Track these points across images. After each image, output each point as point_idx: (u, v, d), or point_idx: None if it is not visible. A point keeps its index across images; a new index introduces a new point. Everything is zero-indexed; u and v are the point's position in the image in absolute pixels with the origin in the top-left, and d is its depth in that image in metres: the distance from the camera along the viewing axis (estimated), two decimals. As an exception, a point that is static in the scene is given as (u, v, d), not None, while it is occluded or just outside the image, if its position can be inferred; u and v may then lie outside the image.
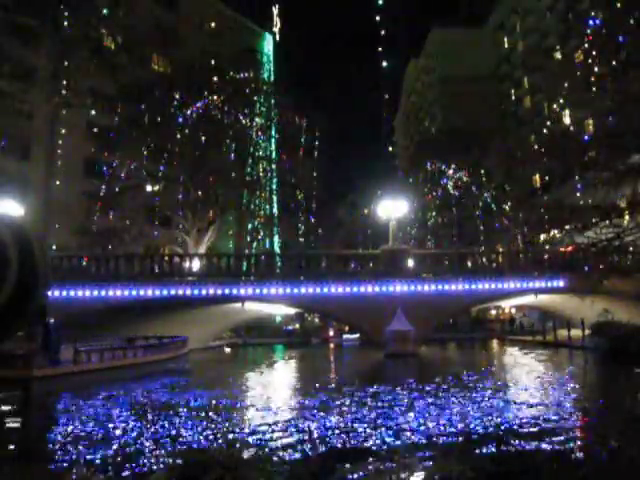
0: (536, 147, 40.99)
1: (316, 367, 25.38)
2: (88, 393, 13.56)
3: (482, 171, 45.03)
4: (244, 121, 39.31)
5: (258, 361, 27.56)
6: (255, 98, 40.54)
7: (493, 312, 49.83)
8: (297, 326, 50.69)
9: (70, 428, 9.75)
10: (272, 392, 15.27)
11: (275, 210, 50.06)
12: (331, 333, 44.44)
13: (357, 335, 35.79)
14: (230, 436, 8.97)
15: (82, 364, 16.16)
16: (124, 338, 20.78)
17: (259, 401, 13.31)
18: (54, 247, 31.09)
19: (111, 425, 9.87)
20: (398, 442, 8.29)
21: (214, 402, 12.87)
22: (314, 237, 52.08)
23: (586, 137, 28.47)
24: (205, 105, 36.31)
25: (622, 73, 23.77)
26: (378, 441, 8.35)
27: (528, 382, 16.02)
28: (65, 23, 33.49)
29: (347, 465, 7.06)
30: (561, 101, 37.34)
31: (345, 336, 40.85)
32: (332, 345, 40.17)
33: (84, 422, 10.23)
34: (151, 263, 27.10)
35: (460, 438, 8.44)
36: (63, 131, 36.58)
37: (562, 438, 8.38)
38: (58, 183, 35.75)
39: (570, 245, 29.83)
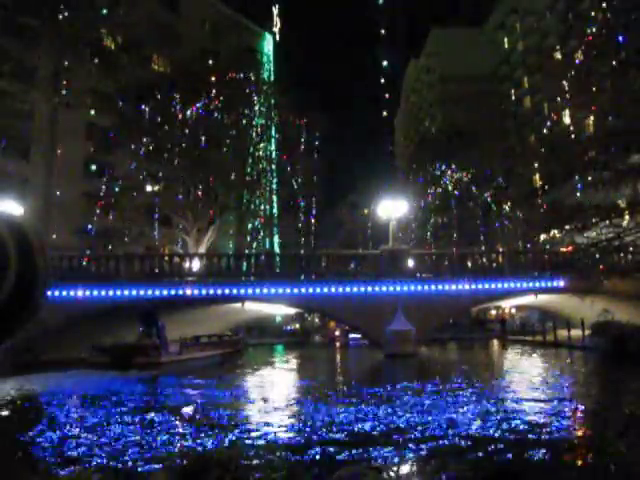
0: (536, 147, 40.98)
1: (315, 368, 25.39)
2: (191, 374, 18.82)
3: (482, 171, 45.04)
4: (244, 121, 39.28)
5: (259, 362, 27.51)
6: (255, 98, 40.51)
7: (493, 312, 49.85)
8: (297, 326, 50.72)
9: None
10: (272, 392, 15.27)
11: (275, 210, 50.04)
12: (337, 333, 44.51)
13: None
14: (230, 436, 8.97)
15: (184, 354, 22.54)
16: (192, 337, 25.90)
17: (259, 401, 13.31)
18: (54, 247, 31.08)
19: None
20: (398, 442, 8.28)
21: (215, 401, 12.88)
22: (314, 237, 52.04)
23: (586, 137, 28.46)
24: (205, 105, 36.31)
25: (622, 73, 23.77)
26: (378, 441, 8.34)
27: (528, 382, 16.01)
28: (65, 23, 33.47)
29: (347, 465, 7.05)
30: (561, 101, 37.31)
31: (351, 335, 40.83)
32: (338, 344, 40.26)
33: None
34: (151, 263, 27.09)
35: (460, 438, 8.43)
36: (63, 131, 36.59)
37: (562, 438, 8.38)
38: (58, 183, 35.76)
39: (570, 245, 29.84)
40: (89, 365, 20.02)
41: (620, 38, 23.78)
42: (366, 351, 31.55)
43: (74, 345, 24.31)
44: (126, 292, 24.80)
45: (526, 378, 17.22)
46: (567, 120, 38.37)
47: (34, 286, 2.11)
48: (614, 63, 24.21)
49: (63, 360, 20.95)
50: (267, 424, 9.89)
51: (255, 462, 7.28)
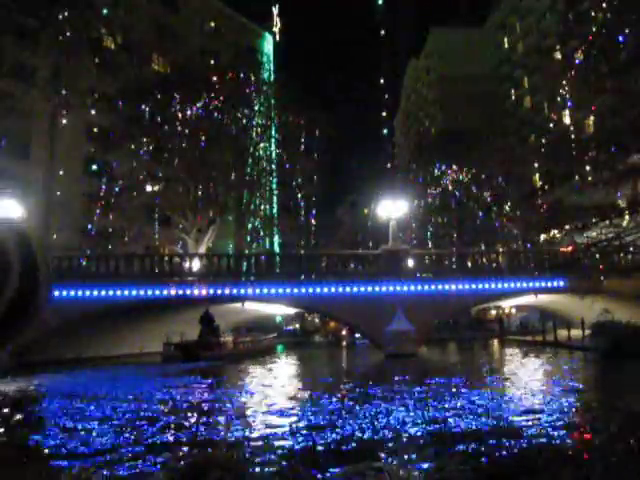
0: (536, 147, 40.98)
1: (315, 367, 25.41)
2: (243, 363, 23.90)
3: (482, 171, 45.04)
4: (244, 121, 39.28)
5: (260, 362, 27.52)
6: (255, 98, 40.50)
7: (493, 312, 49.84)
8: (297, 326, 50.74)
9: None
10: (272, 392, 15.27)
11: (275, 210, 50.06)
12: (343, 332, 44.50)
13: None
14: (230, 436, 8.98)
15: (236, 348, 28.05)
16: (238, 336, 31.57)
17: (260, 400, 13.32)
18: (54, 247, 31.09)
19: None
20: (397, 442, 8.29)
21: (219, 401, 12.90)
22: (314, 237, 52.05)
23: (586, 137, 28.48)
24: (205, 105, 36.31)
25: (622, 73, 23.78)
26: (378, 441, 8.35)
27: (528, 382, 16.00)
28: (65, 23, 33.46)
29: (347, 465, 7.06)
30: (561, 101, 37.33)
31: (358, 334, 40.86)
32: (344, 343, 40.29)
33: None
34: (151, 263, 27.09)
35: (460, 438, 8.43)
36: (63, 131, 36.58)
37: (562, 438, 8.38)
38: (58, 183, 35.76)
39: (570, 245, 29.85)
40: (165, 358, 24.71)
41: (620, 38, 23.78)
42: (373, 351, 31.51)
43: (74, 345, 24.35)
44: (126, 292, 24.81)
45: (525, 377, 17.22)
46: (567, 120, 38.41)
47: (36, 291, 2.11)
48: (614, 63, 24.21)
49: (135, 354, 26.15)
50: (268, 423, 9.89)
51: (255, 462, 7.29)
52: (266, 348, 33.07)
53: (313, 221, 50.45)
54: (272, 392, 14.87)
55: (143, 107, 35.58)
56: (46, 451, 8.23)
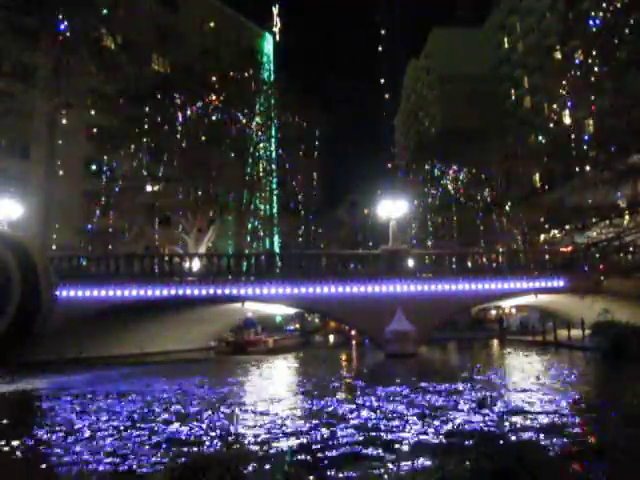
0: (536, 147, 40.99)
1: (316, 367, 25.37)
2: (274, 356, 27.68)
3: (482, 171, 45.06)
4: (244, 121, 39.30)
5: (261, 362, 27.52)
6: (255, 98, 40.55)
7: (493, 312, 49.86)
8: (297, 326, 50.76)
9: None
10: (271, 392, 15.28)
11: (275, 210, 50.04)
12: (353, 332, 44.53)
13: None
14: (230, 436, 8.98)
15: (274, 345, 32.85)
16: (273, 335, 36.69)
17: (260, 401, 13.32)
18: (54, 247, 31.11)
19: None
20: (397, 442, 8.29)
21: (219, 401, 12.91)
22: (314, 237, 52.07)
23: (586, 137, 28.47)
24: (205, 105, 36.31)
25: (622, 73, 23.78)
26: (377, 441, 8.35)
27: (528, 382, 16.00)
28: (65, 23, 33.47)
29: (346, 464, 7.05)
30: (561, 101, 37.34)
31: None
32: (354, 342, 40.30)
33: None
34: (151, 263, 27.07)
35: (460, 438, 8.43)
36: (63, 131, 36.58)
37: (562, 438, 8.38)
38: (58, 183, 35.76)
39: (570, 245, 29.86)
40: (218, 353, 29.43)
41: (620, 38, 23.78)
42: (371, 350, 31.44)
43: (74, 345, 24.31)
44: (126, 292, 24.80)
45: (526, 377, 17.22)
46: (567, 120, 38.40)
47: (37, 306, 2.09)
48: (614, 63, 24.21)
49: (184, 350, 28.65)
50: (269, 422, 9.90)
51: (256, 462, 7.28)
52: (295, 344, 38.16)
53: (313, 221, 50.43)
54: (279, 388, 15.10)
55: (143, 107, 35.58)
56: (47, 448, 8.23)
